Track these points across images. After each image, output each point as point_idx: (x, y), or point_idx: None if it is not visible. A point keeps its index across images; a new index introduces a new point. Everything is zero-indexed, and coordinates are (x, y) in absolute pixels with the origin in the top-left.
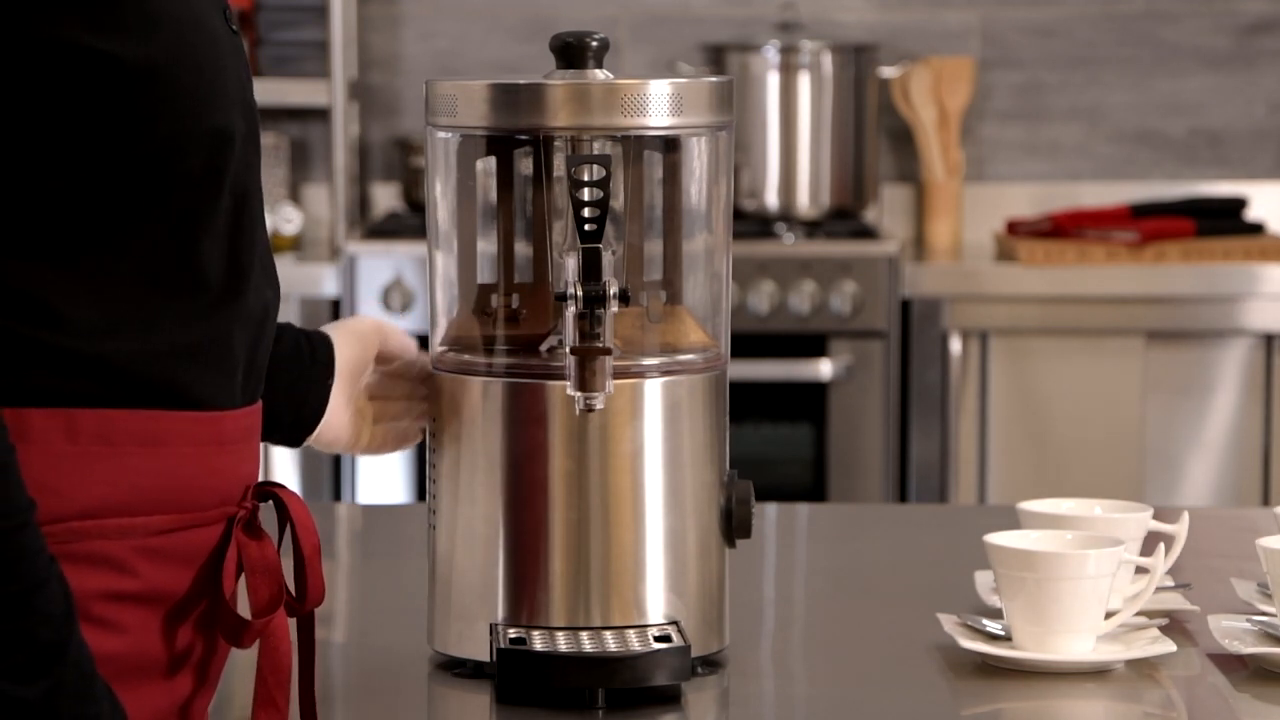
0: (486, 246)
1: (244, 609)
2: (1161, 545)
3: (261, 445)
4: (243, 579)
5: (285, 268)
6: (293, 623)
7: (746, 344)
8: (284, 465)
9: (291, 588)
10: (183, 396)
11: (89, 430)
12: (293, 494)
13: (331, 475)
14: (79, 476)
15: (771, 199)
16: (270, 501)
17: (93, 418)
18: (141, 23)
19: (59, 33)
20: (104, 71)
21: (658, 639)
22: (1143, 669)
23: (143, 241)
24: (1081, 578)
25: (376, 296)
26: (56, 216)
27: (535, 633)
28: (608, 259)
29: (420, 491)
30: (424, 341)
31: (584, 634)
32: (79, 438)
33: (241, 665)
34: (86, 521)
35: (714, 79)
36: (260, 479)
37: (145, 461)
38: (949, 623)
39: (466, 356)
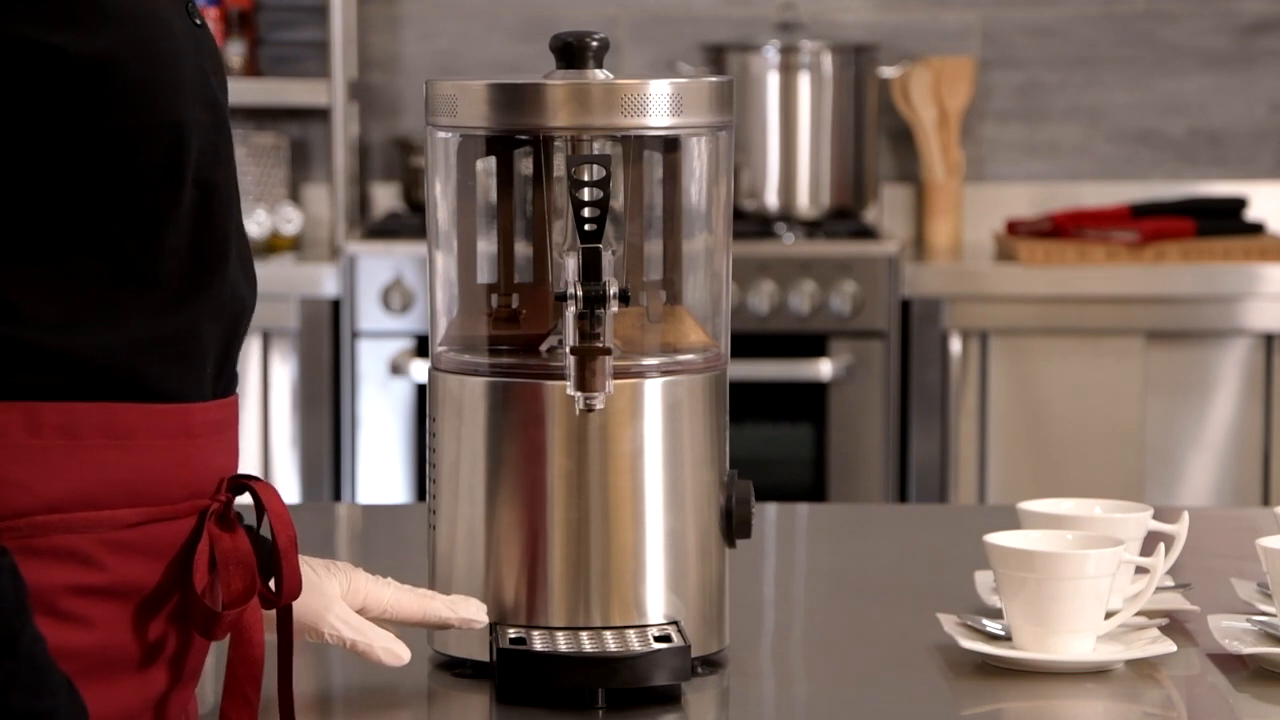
0: (486, 246)
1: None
2: (1161, 545)
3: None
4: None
5: (285, 268)
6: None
7: (746, 344)
8: (284, 465)
9: (271, 582)
10: (147, 389)
11: (51, 424)
12: (268, 486)
13: (331, 475)
14: (42, 470)
15: (771, 199)
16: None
17: (55, 411)
18: (91, 16)
19: (4, 27)
20: (52, 65)
21: (658, 639)
22: (1143, 669)
23: (102, 235)
24: (1081, 578)
25: (376, 296)
26: (12, 211)
27: (535, 633)
28: (608, 259)
29: (420, 491)
30: (424, 341)
31: (584, 634)
32: (41, 431)
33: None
34: (51, 515)
35: (714, 79)
36: (250, 474)
37: (110, 454)
38: (949, 623)
39: (466, 356)
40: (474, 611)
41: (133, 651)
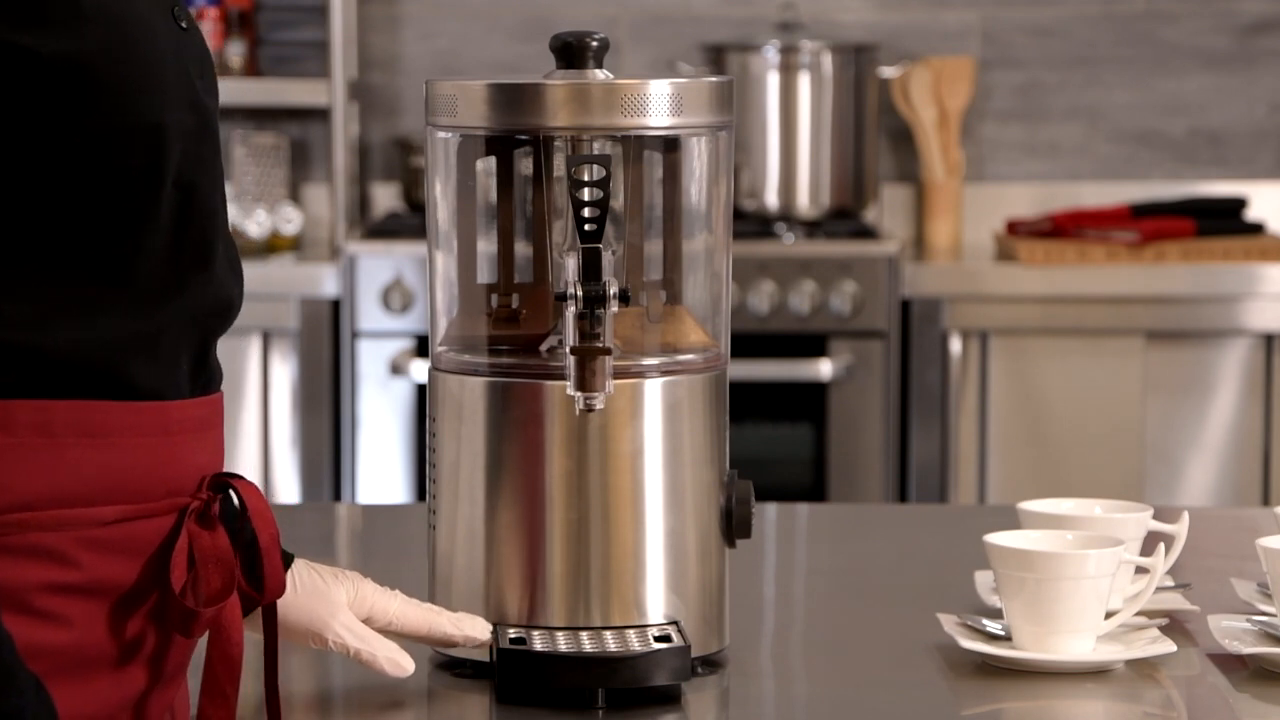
0: (486, 246)
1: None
2: (1161, 545)
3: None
4: None
5: (285, 268)
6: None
7: (746, 344)
8: (284, 465)
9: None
10: (123, 386)
11: (25, 421)
12: (249, 484)
13: (331, 475)
14: (16, 468)
15: (771, 199)
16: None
17: (29, 409)
18: (67, 17)
19: None
20: (24, 66)
21: (658, 639)
22: (1143, 669)
23: (78, 234)
24: (1081, 578)
25: (376, 296)
26: None
27: (535, 633)
28: (608, 259)
29: (420, 491)
30: (424, 341)
31: (584, 634)
32: (15, 429)
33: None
34: (25, 513)
35: (714, 79)
36: (232, 473)
37: (85, 452)
38: (949, 623)
39: (466, 356)
40: (479, 630)
41: (110, 650)
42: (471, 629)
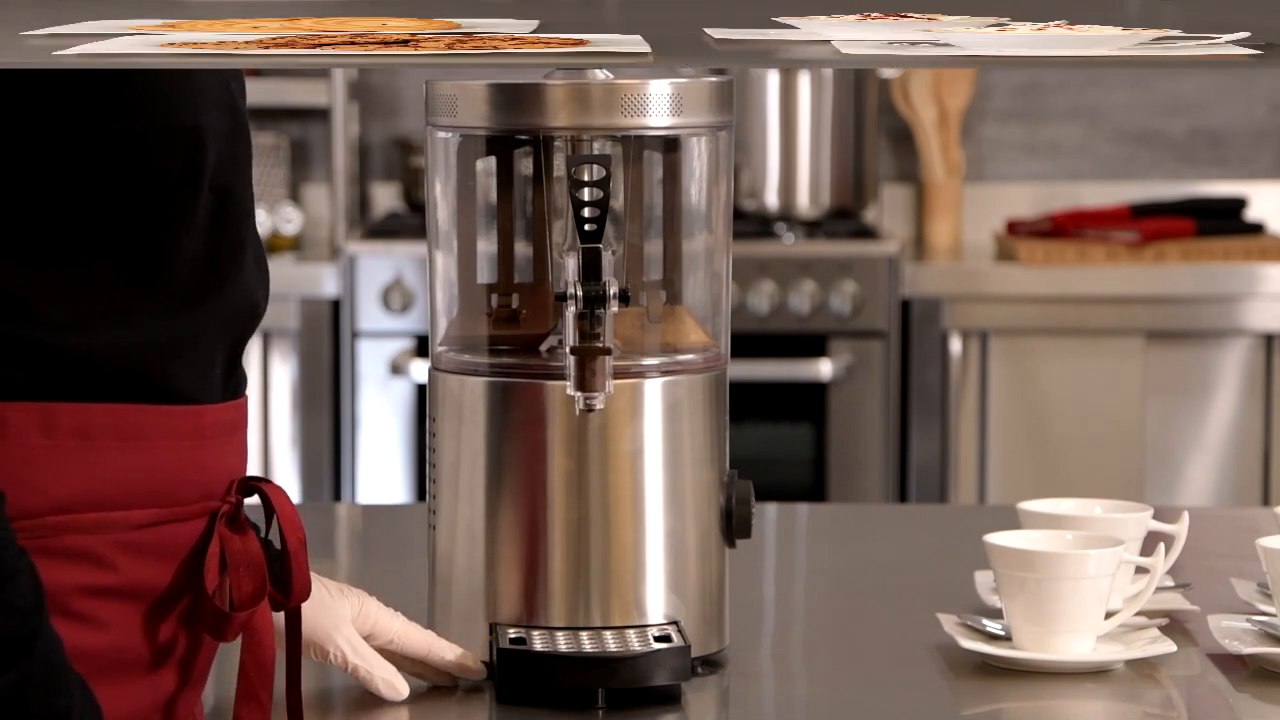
0: (486, 246)
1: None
2: (1161, 545)
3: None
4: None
5: (285, 268)
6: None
7: (746, 344)
8: (284, 465)
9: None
10: (159, 390)
11: (65, 424)
12: (277, 488)
13: (331, 475)
14: (55, 471)
15: (771, 199)
16: (256, 496)
17: (69, 412)
18: None
19: None
20: (72, 69)
21: (658, 639)
22: (1143, 669)
23: (117, 237)
24: (1081, 578)
25: (376, 296)
26: (28, 213)
27: (535, 633)
28: (608, 259)
29: (420, 491)
30: (424, 341)
31: (584, 634)
32: (55, 432)
33: (233, 663)
34: (63, 516)
35: (714, 79)
36: (260, 476)
37: (122, 455)
38: (949, 623)
39: (466, 356)
40: (473, 660)
41: (144, 652)
42: (466, 657)
